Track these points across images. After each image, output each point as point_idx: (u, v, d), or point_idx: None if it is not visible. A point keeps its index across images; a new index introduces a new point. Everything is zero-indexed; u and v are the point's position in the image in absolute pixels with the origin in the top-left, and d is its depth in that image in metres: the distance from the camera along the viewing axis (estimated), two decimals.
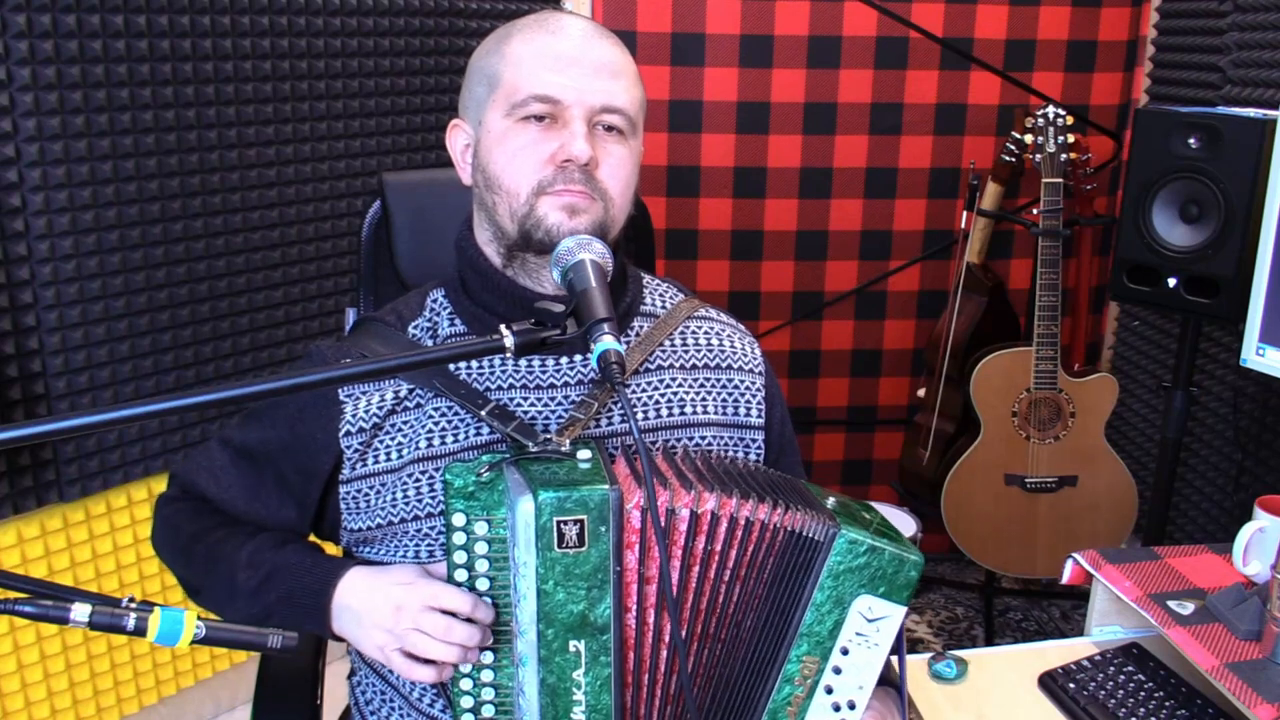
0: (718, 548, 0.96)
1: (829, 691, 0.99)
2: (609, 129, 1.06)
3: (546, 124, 1.04)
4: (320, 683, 1.27)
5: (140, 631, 0.80)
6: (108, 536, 1.98)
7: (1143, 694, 1.28)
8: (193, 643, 0.82)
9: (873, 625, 0.98)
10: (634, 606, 0.94)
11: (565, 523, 0.90)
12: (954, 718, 1.29)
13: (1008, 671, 1.37)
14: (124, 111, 1.83)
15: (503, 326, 0.90)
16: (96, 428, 0.77)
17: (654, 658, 0.96)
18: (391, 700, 1.14)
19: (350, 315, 1.48)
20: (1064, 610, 2.72)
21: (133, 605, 0.81)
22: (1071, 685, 1.30)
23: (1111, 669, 1.33)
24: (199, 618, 0.83)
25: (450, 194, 1.16)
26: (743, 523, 0.96)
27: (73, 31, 1.74)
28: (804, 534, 0.96)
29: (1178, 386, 2.09)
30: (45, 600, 0.78)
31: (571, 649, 0.93)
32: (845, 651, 0.98)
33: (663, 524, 0.93)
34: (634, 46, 2.55)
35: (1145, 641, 1.40)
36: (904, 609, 0.98)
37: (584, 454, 0.97)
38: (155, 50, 1.86)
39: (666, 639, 0.97)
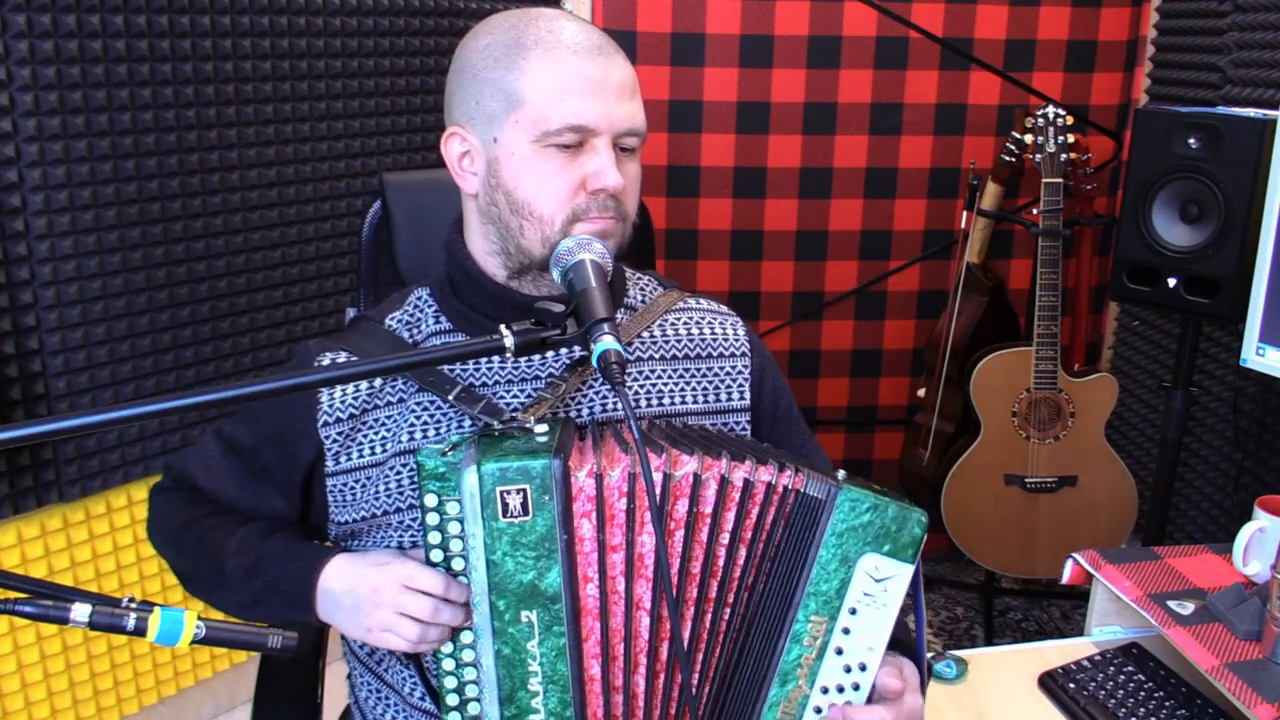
0: (706, 510, 0.95)
1: (839, 653, 0.99)
2: (625, 149, 1.06)
3: (575, 150, 1.04)
4: (320, 683, 1.27)
5: (140, 631, 0.80)
6: (108, 536, 1.98)
7: (1143, 694, 1.28)
8: (193, 643, 0.82)
9: (880, 585, 0.97)
10: (595, 576, 0.94)
11: (508, 492, 0.91)
12: (954, 718, 1.29)
13: (1008, 671, 1.37)
14: (124, 111, 1.83)
15: (502, 327, 0.91)
16: (96, 428, 0.77)
17: (629, 626, 0.96)
18: (387, 698, 1.15)
19: (350, 315, 1.48)
20: (1064, 610, 2.72)
21: (133, 605, 0.81)
22: (1071, 685, 1.30)
23: (1111, 669, 1.33)
24: (199, 618, 0.83)
25: (451, 194, 1.16)
26: (740, 485, 0.95)
27: (73, 31, 1.74)
28: (806, 492, 0.96)
29: (1178, 386, 2.09)
30: (45, 600, 0.78)
31: (524, 619, 0.94)
32: (854, 612, 0.98)
33: (623, 489, 0.93)
34: (634, 46, 2.55)
35: (1145, 641, 1.40)
36: (911, 567, 0.98)
37: (540, 428, 0.97)
38: (155, 50, 1.86)
39: (647, 606, 0.96)
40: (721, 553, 0.97)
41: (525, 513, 0.92)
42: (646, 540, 0.95)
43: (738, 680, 1.00)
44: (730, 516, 0.96)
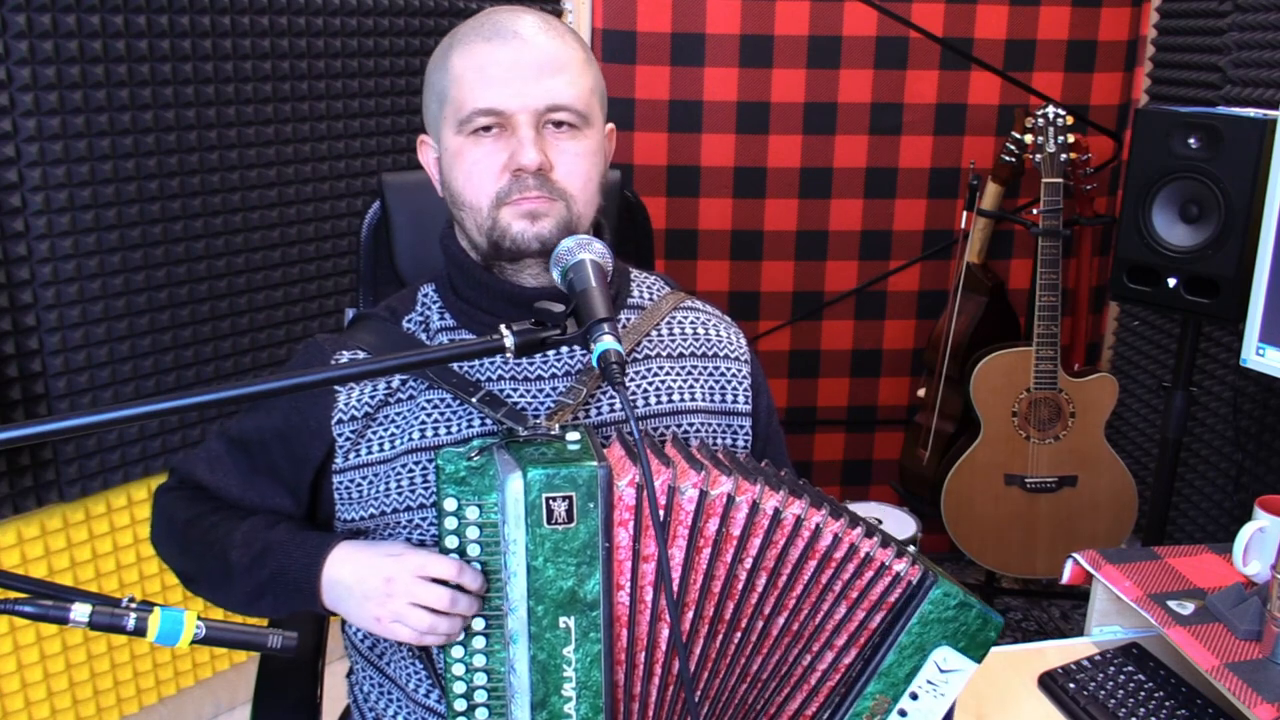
0: (734, 532, 0.96)
1: None
2: (559, 125, 1.07)
3: (496, 134, 1.05)
4: (320, 682, 1.27)
5: (140, 631, 0.80)
6: (108, 536, 1.98)
7: (1143, 694, 1.28)
8: (193, 643, 0.82)
9: (944, 676, 1.00)
10: (627, 584, 0.95)
11: (554, 499, 0.91)
12: (954, 718, 1.29)
13: (1008, 671, 1.37)
14: (124, 111, 1.83)
15: (502, 327, 0.91)
16: (96, 428, 0.77)
17: (651, 636, 0.97)
18: (389, 693, 1.14)
19: (350, 316, 1.48)
20: (1064, 610, 2.72)
21: (133, 605, 0.81)
22: (1071, 685, 1.30)
23: (1111, 669, 1.33)
24: (199, 618, 0.83)
25: None
26: (770, 513, 0.96)
27: (73, 31, 1.74)
28: (900, 573, 0.99)
29: (1178, 386, 2.09)
30: (45, 600, 0.78)
31: (561, 625, 0.94)
32: (915, 696, 1.01)
33: (661, 501, 0.94)
34: (634, 46, 2.55)
35: (1145, 641, 1.40)
36: (976, 666, 1.00)
37: (573, 435, 0.98)
38: (155, 50, 1.86)
39: (668, 618, 0.97)
40: (741, 575, 0.97)
41: (569, 520, 0.92)
42: (676, 553, 0.96)
43: (752, 710, 1.01)
44: (755, 542, 0.97)
